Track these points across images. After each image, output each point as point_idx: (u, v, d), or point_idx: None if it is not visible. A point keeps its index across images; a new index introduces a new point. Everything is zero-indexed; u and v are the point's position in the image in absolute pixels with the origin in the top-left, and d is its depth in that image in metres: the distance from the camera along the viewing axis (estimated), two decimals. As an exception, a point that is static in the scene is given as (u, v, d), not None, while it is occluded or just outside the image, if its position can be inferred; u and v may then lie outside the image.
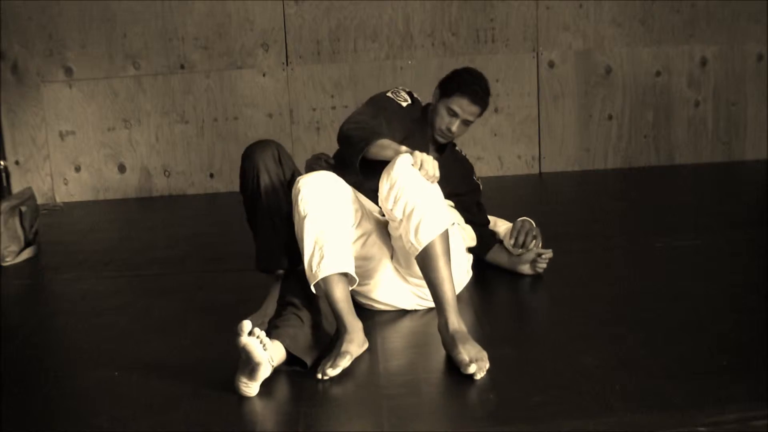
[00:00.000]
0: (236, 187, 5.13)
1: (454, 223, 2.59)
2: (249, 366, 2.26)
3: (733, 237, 3.60)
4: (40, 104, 5.03)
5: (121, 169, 5.10)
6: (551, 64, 5.12)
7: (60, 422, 2.26)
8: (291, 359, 2.44)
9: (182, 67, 5.02)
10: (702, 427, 2.00)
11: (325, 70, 5.05)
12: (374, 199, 2.81)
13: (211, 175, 5.13)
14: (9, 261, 3.79)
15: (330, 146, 5.06)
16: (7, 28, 4.93)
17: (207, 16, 4.98)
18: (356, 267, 2.69)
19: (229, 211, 4.74)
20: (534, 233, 3.16)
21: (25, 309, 3.28)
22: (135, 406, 2.31)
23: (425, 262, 2.51)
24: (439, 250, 2.50)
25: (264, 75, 5.05)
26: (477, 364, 2.33)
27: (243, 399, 2.29)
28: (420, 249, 2.50)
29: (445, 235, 2.53)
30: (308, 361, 2.45)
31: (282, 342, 2.42)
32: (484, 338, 2.57)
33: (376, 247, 2.81)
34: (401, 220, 2.56)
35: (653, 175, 5.02)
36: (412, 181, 2.55)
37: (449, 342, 2.42)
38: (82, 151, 5.08)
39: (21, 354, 2.76)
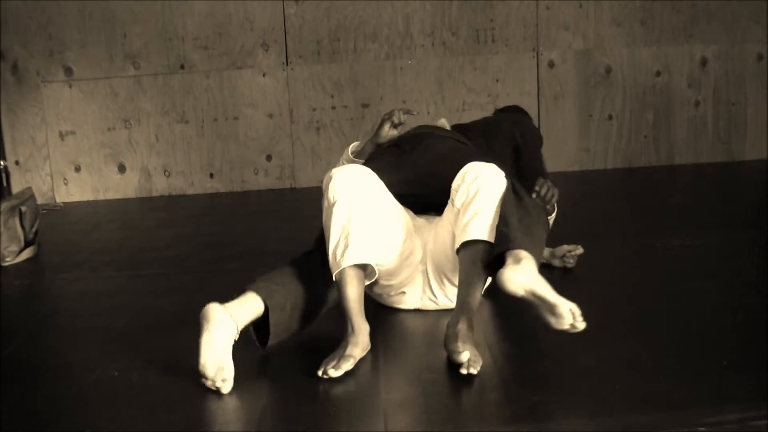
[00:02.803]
0: (236, 187, 5.18)
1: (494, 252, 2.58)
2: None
3: (733, 237, 3.60)
4: (40, 104, 5.03)
5: (121, 169, 5.10)
6: (551, 64, 5.12)
7: (60, 422, 2.26)
8: (261, 324, 2.51)
9: (182, 67, 5.02)
10: (702, 427, 2.00)
11: (325, 70, 5.05)
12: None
13: (211, 175, 5.13)
14: (9, 261, 3.79)
15: (330, 146, 5.09)
16: (7, 28, 4.93)
17: (207, 16, 4.98)
18: (387, 262, 2.73)
19: (229, 211, 4.75)
20: (554, 191, 3.14)
21: (25, 309, 3.28)
22: (135, 406, 2.31)
23: (464, 260, 2.51)
24: (481, 256, 2.49)
25: (264, 75, 5.05)
26: (469, 358, 2.32)
27: (243, 399, 2.29)
28: (464, 240, 2.50)
29: (491, 249, 2.51)
30: (272, 342, 2.51)
31: (272, 316, 2.49)
32: (484, 338, 2.58)
33: (408, 244, 2.80)
34: (461, 207, 2.58)
35: (653, 175, 5.02)
36: (491, 182, 2.57)
37: (451, 337, 2.42)
38: (82, 151, 5.08)
39: (21, 354, 2.76)
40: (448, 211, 2.73)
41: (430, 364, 2.51)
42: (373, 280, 2.62)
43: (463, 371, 2.31)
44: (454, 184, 2.65)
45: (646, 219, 4.04)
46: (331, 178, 2.61)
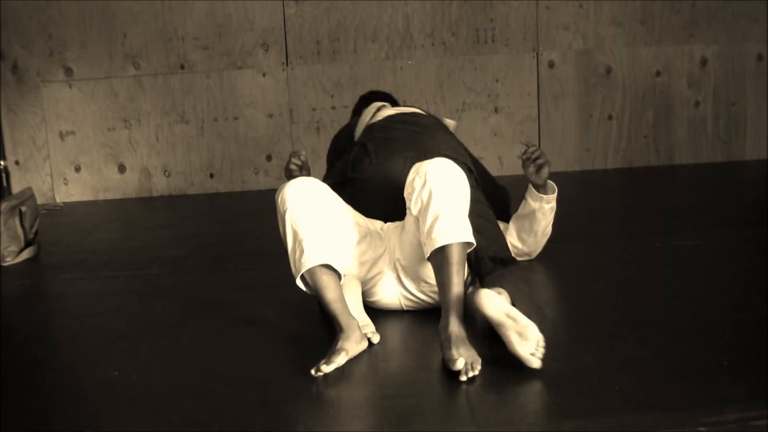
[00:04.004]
0: (236, 187, 5.18)
1: (473, 245, 2.62)
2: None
3: (733, 237, 3.60)
4: (40, 104, 5.03)
5: (121, 169, 5.10)
6: (551, 64, 5.12)
7: (60, 422, 2.26)
8: None
9: (182, 67, 5.02)
10: (702, 427, 2.00)
11: (325, 70, 5.05)
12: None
13: (211, 175, 5.13)
14: (9, 261, 3.79)
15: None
16: (7, 28, 4.92)
17: (207, 16, 4.98)
18: (349, 266, 2.75)
19: (229, 211, 4.75)
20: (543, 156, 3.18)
21: (25, 309, 3.28)
22: (135, 406, 2.31)
23: (438, 264, 2.54)
24: (454, 257, 2.52)
25: (264, 75, 5.05)
26: (466, 364, 2.32)
27: (243, 399, 2.29)
28: (433, 249, 2.53)
29: (463, 246, 2.55)
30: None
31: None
32: (484, 338, 2.57)
33: (369, 252, 2.81)
34: (419, 215, 2.60)
35: (653, 175, 5.02)
36: (440, 179, 2.59)
37: (444, 342, 2.42)
38: (82, 151, 5.08)
39: (21, 354, 2.76)
40: (408, 216, 2.75)
41: (429, 364, 2.51)
42: (342, 282, 2.63)
43: (463, 378, 2.30)
44: (406, 193, 2.68)
45: (646, 219, 4.04)
46: (281, 190, 2.66)
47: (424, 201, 2.58)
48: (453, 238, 2.52)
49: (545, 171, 3.16)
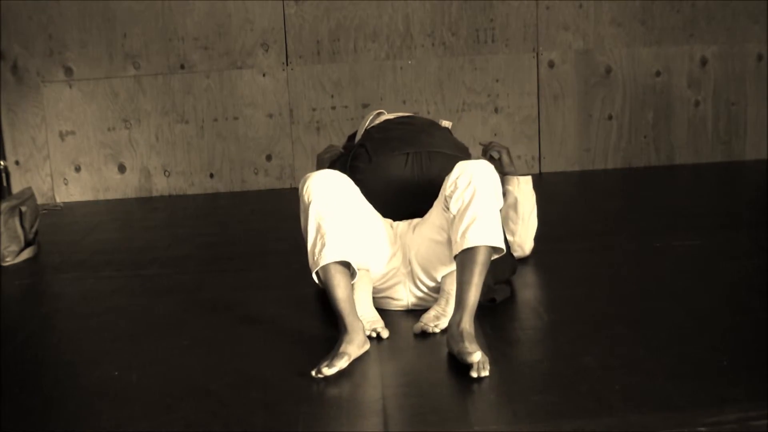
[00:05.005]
0: (236, 187, 5.18)
1: (502, 252, 2.65)
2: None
3: (733, 237, 3.60)
4: (40, 104, 5.03)
5: (121, 169, 5.10)
6: (551, 64, 5.12)
7: (60, 422, 2.26)
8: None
9: (182, 67, 5.02)
10: (702, 427, 2.00)
11: (325, 70, 5.05)
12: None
13: (211, 175, 5.13)
14: (9, 261, 3.79)
15: (330, 146, 5.08)
16: (7, 28, 4.93)
17: (207, 16, 4.98)
18: (370, 264, 2.76)
19: (229, 211, 4.75)
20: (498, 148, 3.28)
21: (25, 309, 3.28)
22: (135, 406, 2.31)
23: (463, 262, 2.54)
24: (481, 258, 2.53)
25: (264, 75, 5.05)
26: (479, 360, 2.33)
27: (243, 399, 2.29)
28: (464, 247, 2.54)
29: (492, 250, 2.58)
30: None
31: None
32: (484, 338, 2.58)
33: (389, 248, 2.82)
34: (457, 213, 2.60)
35: (653, 175, 5.02)
36: (485, 184, 2.60)
37: (456, 336, 2.42)
38: (82, 151, 5.08)
39: (21, 354, 2.76)
40: (437, 214, 2.74)
41: (430, 364, 2.51)
42: (355, 279, 2.63)
43: (474, 374, 2.30)
44: (447, 190, 2.66)
45: (646, 219, 4.04)
46: (306, 180, 2.64)
47: (466, 201, 2.59)
48: (485, 240, 2.54)
49: (505, 156, 3.23)
